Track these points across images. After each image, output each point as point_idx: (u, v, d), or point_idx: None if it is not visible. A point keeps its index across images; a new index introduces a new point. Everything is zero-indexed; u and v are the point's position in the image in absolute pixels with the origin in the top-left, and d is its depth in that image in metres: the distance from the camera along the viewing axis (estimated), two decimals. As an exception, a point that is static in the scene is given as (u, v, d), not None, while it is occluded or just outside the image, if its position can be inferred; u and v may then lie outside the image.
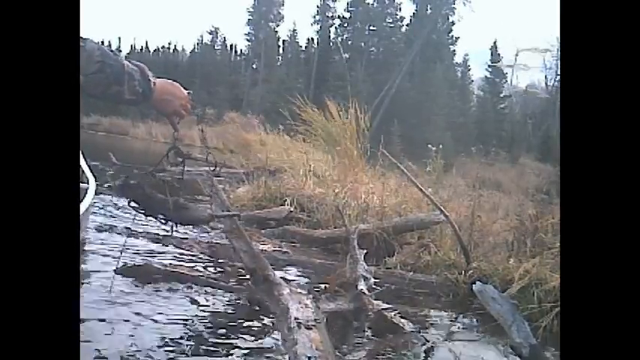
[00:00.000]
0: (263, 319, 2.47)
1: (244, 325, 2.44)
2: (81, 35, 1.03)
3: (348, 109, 6.08)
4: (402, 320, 2.61)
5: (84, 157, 3.95)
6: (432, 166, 5.18)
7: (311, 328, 1.88)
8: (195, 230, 4.40)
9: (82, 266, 2.87)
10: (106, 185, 5.04)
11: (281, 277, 2.60)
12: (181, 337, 2.19)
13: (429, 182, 4.81)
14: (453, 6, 34.00)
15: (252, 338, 2.29)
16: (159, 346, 2.07)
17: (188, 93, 1.32)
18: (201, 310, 2.57)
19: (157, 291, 2.73)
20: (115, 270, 2.88)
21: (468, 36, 68.98)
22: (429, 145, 5.44)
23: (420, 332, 2.64)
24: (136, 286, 2.75)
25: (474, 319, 2.97)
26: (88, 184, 3.43)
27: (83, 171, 3.76)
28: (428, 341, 2.53)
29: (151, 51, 40.38)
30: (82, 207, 2.83)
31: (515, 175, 21.11)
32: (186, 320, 2.39)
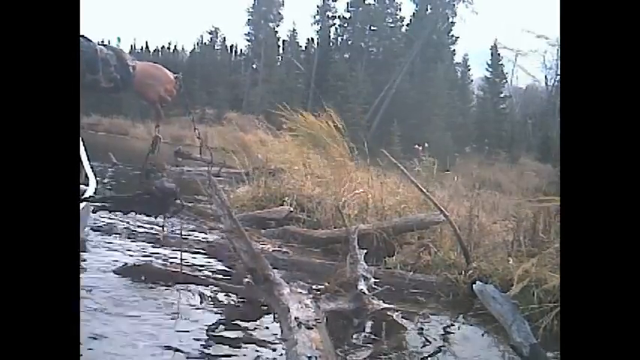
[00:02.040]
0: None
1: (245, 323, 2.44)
2: None
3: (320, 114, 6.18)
4: (404, 320, 2.62)
5: (88, 157, 3.94)
6: (421, 166, 5.17)
7: (311, 328, 1.88)
8: (195, 230, 4.41)
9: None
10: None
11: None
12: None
13: (424, 182, 4.80)
14: (454, 6, 33.98)
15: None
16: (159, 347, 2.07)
17: (175, 77, 1.21)
18: (201, 310, 2.58)
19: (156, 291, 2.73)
20: (114, 270, 2.88)
21: (468, 36, 68.89)
22: (416, 146, 5.45)
23: (421, 332, 2.64)
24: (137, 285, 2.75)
25: (474, 319, 2.97)
26: (88, 185, 3.42)
27: (86, 174, 3.75)
28: (429, 341, 2.53)
29: (151, 51, 40.39)
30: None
31: (515, 175, 21.11)
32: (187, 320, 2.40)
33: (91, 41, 1.03)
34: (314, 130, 6.22)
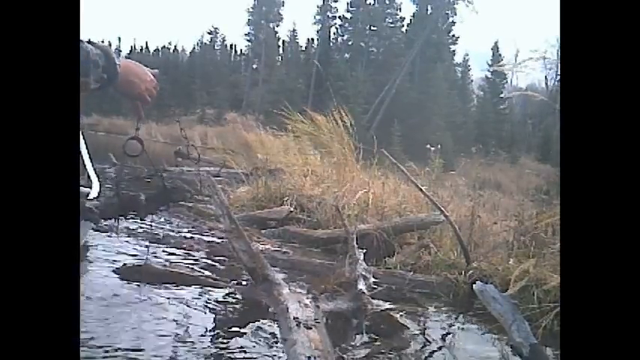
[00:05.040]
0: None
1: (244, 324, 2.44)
2: None
3: (332, 112, 6.08)
4: (407, 320, 2.62)
5: (90, 158, 3.91)
6: (430, 167, 5.17)
7: (310, 328, 1.88)
8: (195, 230, 4.41)
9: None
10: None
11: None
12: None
13: (428, 182, 4.81)
14: (454, 7, 33.98)
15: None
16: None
17: (154, 76, 1.22)
18: (200, 310, 2.58)
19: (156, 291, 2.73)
20: (113, 270, 2.88)
21: (468, 36, 68.98)
22: (428, 146, 5.43)
23: (424, 332, 2.63)
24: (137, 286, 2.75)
25: (475, 319, 2.97)
26: (91, 188, 3.38)
27: (89, 175, 3.71)
28: (429, 342, 2.53)
29: (151, 51, 40.43)
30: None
31: (515, 175, 21.11)
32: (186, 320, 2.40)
33: (82, 42, 1.02)
34: (320, 129, 6.14)
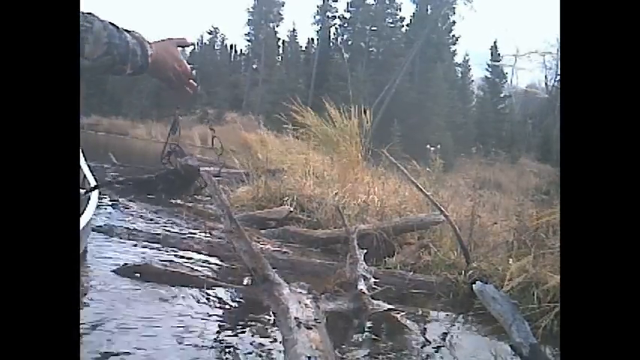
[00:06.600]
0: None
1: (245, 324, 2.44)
2: (89, 12, 1.01)
3: (349, 110, 5.99)
4: (407, 321, 2.62)
5: (86, 161, 3.91)
6: (431, 167, 5.17)
7: (311, 328, 1.88)
8: (195, 230, 4.41)
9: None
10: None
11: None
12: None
13: (428, 182, 4.81)
14: (453, 6, 33.97)
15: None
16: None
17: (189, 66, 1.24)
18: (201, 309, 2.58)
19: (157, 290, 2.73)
20: (114, 270, 2.88)
21: (468, 36, 68.91)
22: (428, 146, 5.42)
23: (425, 332, 2.63)
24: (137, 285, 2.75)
25: (474, 319, 2.97)
26: (90, 190, 3.38)
27: (87, 179, 3.70)
28: (429, 342, 2.53)
29: (151, 51, 40.36)
30: (85, 218, 2.77)
31: (515, 175, 21.09)
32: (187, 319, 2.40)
33: (122, 32, 1.08)
34: (332, 128, 6.05)
